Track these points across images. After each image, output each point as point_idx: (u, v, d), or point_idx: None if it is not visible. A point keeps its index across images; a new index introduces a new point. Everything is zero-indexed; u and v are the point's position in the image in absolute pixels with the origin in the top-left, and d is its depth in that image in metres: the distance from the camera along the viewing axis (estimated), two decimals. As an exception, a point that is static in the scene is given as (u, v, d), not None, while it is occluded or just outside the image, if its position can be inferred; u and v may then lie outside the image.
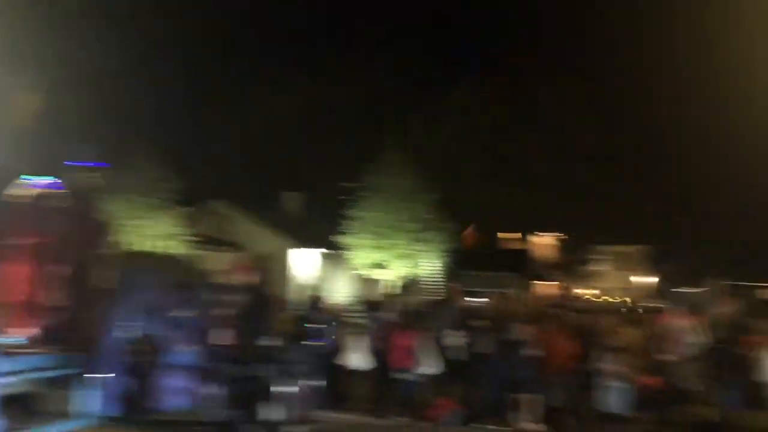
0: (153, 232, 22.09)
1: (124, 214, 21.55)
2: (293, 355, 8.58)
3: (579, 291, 42.27)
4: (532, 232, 48.40)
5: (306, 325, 10.91)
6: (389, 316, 10.94)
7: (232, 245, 20.75)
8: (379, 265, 20.90)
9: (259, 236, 25.71)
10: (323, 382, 9.75)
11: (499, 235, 47.70)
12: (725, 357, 9.57)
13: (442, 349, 10.15)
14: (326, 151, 39.85)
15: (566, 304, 12.21)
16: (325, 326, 11.11)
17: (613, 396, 9.50)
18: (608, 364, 9.60)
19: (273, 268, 24.93)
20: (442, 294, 11.79)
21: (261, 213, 27.88)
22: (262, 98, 40.22)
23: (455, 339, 10.05)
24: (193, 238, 23.03)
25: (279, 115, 40.14)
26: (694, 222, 46.47)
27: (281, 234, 26.19)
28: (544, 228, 48.26)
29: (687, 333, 9.65)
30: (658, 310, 12.53)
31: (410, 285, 23.22)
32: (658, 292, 40.97)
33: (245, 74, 39.84)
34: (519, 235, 47.84)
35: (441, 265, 26.79)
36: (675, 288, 30.40)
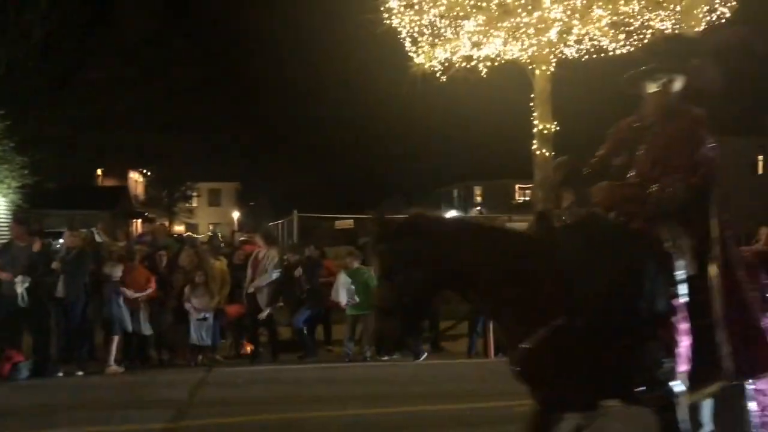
0: None
1: None
2: None
3: (171, 226, 42.20)
4: (125, 169, 46.17)
5: None
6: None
7: None
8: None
9: None
10: None
11: (97, 172, 44.42)
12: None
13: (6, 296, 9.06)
14: None
15: (155, 240, 12.02)
16: None
17: (200, 327, 9.80)
18: (195, 297, 9.84)
19: None
20: (11, 235, 10.45)
21: None
22: None
23: (23, 284, 8.99)
24: None
25: None
26: (278, 160, 50.17)
27: None
28: (138, 164, 46.47)
29: (267, 261, 10.41)
30: (244, 242, 13.24)
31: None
32: (245, 225, 43.41)
33: None
34: (103, 171, 45.17)
35: (12, 203, 23.72)
36: (260, 221, 32.62)
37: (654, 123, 3.75)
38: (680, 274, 3.44)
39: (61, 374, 9.01)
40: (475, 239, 3.51)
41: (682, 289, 3.41)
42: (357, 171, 53.23)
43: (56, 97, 34.53)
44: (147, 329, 9.58)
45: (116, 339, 9.36)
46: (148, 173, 48.67)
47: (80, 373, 9.11)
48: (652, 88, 3.68)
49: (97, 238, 10.69)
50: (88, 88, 36.93)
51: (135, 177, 48.81)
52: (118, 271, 9.39)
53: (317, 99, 46.55)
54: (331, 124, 47.88)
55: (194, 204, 54.86)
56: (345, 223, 15.98)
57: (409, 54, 14.13)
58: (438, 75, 14.28)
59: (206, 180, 53.51)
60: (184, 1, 44.69)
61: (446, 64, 14.35)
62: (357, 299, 10.04)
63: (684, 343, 3.34)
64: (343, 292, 10.15)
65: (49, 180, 26.27)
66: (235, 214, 55.46)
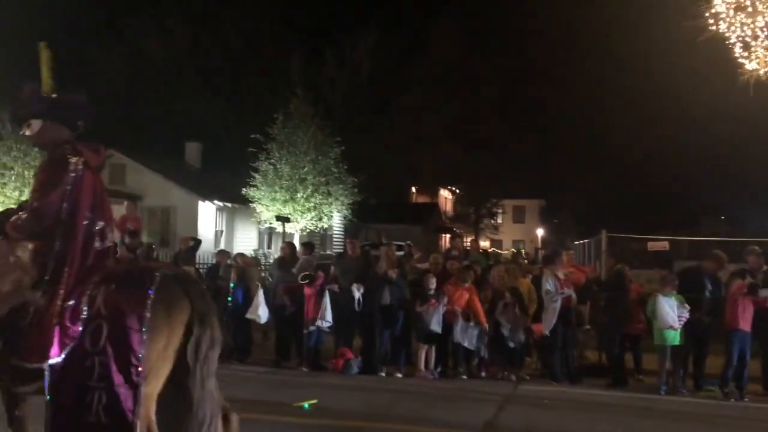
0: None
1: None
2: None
3: (480, 243, 43.73)
4: (437, 186, 49.38)
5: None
6: (294, 269, 11.01)
7: (129, 197, 20.01)
8: (284, 218, 20.77)
9: (159, 188, 24.93)
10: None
11: (412, 189, 48.36)
12: (610, 304, 10.31)
13: (345, 301, 10.36)
14: (230, 100, 38.62)
15: (468, 256, 12.68)
16: (231, 281, 11.12)
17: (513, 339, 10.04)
18: (503, 315, 10.11)
19: (176, 220, 24.47)
20: (346, 247, 11.91)
21: (162, 163, 26.95)
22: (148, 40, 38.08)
23: (358, 291, 10.25)
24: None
25: (176, 58, 38.38)
26: (585, 176, 48.79)
27: (184, 186, 25.47)
28: (449, 182, 49.29)
29: (573, 281, 10.29)
30: (550, 260, 13.19)
31: (315, 238, 23.30)
32: (551, 242, 43.03)
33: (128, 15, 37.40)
34: (420, 189, 48.66)
35: (346, 218, 26.98)
36: (566, 239, 32.08)
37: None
38: None
39: (383, 374, 10.01)
40: None
41: None
42: (672, 188, 49.38)
43: (376, 122, 38.42)
44: (465, 341, 10.02)
45: (425, 347, 10.05)
46: (457, 190, 51.27)
47: (399, 375, 10.02)
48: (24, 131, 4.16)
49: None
50: (402, 113, 40.46)
51: (445, 194, 51.80)
52: (432, 284, 10.11)
53: (631, 112, 44.35)
54: (646, 138, 45.11)
55: (499, 220, 56.13)
56: (659, 244, 14.94)
57: (739, 60, 12.80)
58: (774, 82, 12.69)
59: (511, 197, 54.42)
60: (484, 23, 46.35)
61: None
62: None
63: None
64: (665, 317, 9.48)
65: (371, 197, 29.34)
66: (539, 231, 55.40)
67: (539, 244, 48.63)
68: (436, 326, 9.91)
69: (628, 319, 10.19)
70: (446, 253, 13.15)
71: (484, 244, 48.39)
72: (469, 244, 19.10)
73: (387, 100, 40.48)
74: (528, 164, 47.99)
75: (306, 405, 7.58)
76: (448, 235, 41.28)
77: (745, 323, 9.19)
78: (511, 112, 44.40)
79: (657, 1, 14.22)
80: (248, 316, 10.66)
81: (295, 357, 10.62)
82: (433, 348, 10.10)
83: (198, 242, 14.11)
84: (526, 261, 21.66)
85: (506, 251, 43.12)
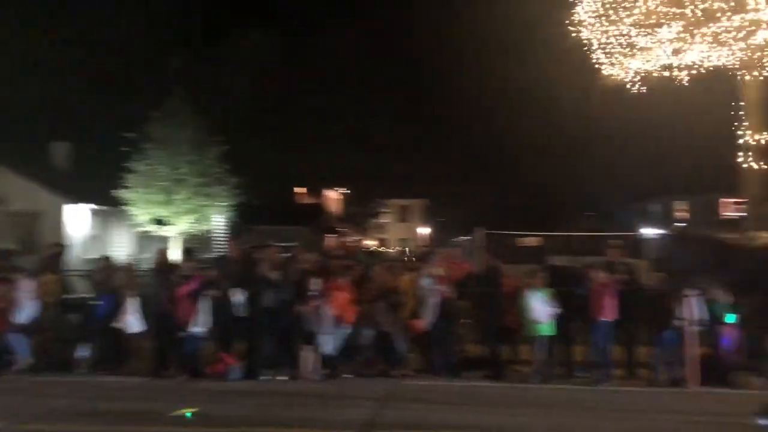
0: None
1: None
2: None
3: (365, 242, 44.16)
4: (322, 187, 49.38)
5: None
6: (172, 274, 10.63)
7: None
8: (161, 221, 19.97)
9: (24, 191, 23.27)
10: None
11: (299, 190, 47.98)
12: (486, 298, 10.69)
13: (226, 305, 10.11)
14: (102, 98, 36.69)
15: (352, 255, 12.74)
16: (104, 287, 10.58)
17: (398, 340, 10.18)
18: (384, 310, 10.24)
19: (42, 225, 22.93)
20: (227, 250, 11.63)
21: (26, 165, 25.14)
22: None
23: (239, 294, 10.05)
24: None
25: (46, 56, 36.03)
26: (467, 176, 50.48)
27: (50, 188, 23.90)
28: (336, 183, 49.45)
29: (452, 277, 10.57)
30: (426, 258, 13.50)
31: (194, 241, 22.59)
32: (435, 240, 44.15)
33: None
34: (306, 189, 48.52)
35: (228, 220, 26.35)
36: (447, 236, 33.03)
37: None
38: None
39: (267, 378, 9.87)
40: None
41: None
42: (546, 188, 52.03)
43: (261, 123, 37.85)
44: (339, 345, 10.06)
45: (311, 349, 10.00)
46: (344, 191, 51.56)
47: (283, 378, 9.91)
48: None
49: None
50: (289, 114, 40.14)
51: (332, 195, 51.91)
52: (315, 285, 10.07)
53: (505, 117, 46.38)
54: (521, 141, 47.35)
55: (385, 220, 56.90)
56: (531, 240, 15.70)
57: (597, 66, 13.70)
58: (631, 86, 13.68)
59: (397, 197, 55.31)
60: (380, 32, 46.98)
61: (642, 74, 13.69)
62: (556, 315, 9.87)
63: None
64: (535, 310, 9.96)
65: (255, 199, 28.89)
66: (424, 230, 56.70)
67: (424, 243, 49.73)
68: (319, 326, 9.88)
69: (502, 312, 10.60)
70: (329, 252, 13.14)
71: (371, 243, 48.93)
72: (353, 243, 19.20)
73: (273, 100, 40.08)
74: (413, 165, 49.07)
75: (188, 413, 7.34)
76: (334, 236, 41.39)
77: (609, 313, 9.80)
78: (396, 114, 45.19)
79: (527, 8, 14.89)
80: (115, 324, 10.18)
81: (175, 365, 10.25)
82: (317, 349, 10.05)
83: (63, 248, 13.31)
84: (413, 259, 22.09)
85: (392, 250, 43.82)
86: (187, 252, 12.11)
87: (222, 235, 27.89)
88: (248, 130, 35.94)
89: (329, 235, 41.20)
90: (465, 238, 21.01)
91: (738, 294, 6.58)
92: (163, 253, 11.99)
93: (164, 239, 21.43)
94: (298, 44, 41.27)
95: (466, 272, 11.78)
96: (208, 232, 25.74)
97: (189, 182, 22.90)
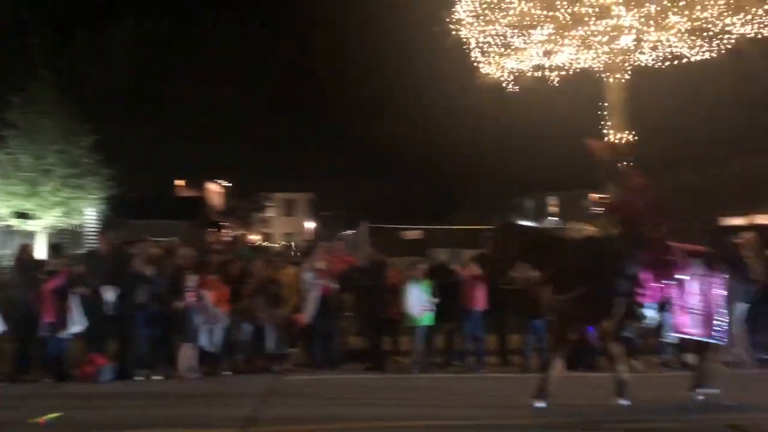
0: None
1: None
2: None
3: (249, 236, 43.38)
4: (204, 179, 47.86)
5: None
6: (35, 270, 9.93)
7: None
8: (24, 215, 18.57)
9: None
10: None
11: (178, 182, 46.16)
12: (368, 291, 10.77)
13: (96, 303, 9.58)
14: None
15: (232, 250, 12.45)
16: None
17: (270, 335, 10.05)
18: (265, 306, 10.09)
19: None
20: (97, 245, 11.02)
21: None
22: None
23: (110, 292, 9.54)
24: None
25: None
26: (352, 170, 50.71)
27: None
28: (218, 175, 48.13)
29: (335, 270, 10.58)
30: (307, 252, 13.46)
31: (63, 236, 21.24)
32: (318, 234, 44.10)
33: None
34: (185, 182, 46.88)
35: (100, 213, 24.93)
36: (333, 230, 33.08)
37: None
38: None
39: (141, 378, 9.45)
40: None
41: None
42: (429, 183, 53.26)
43: (138, 112, 36.23)
44: (218, 341, 9.81)
45: (188, 346, 9.69)
46: (227, 184, 50.30)
47: (158, 377, 9.53)
48: None
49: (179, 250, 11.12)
50: (167, 104, 38.65)
51: (213, 188, 50.48)
52: (190, 281, 9.75)
53: (389, 112, 46.91)
54: (403, 136, 48.11)
55: (269, 214, 56.14)
56: (414, 233, 16.03)
57: (476, 65, 14.15)
58: (508, 85, 14.23)
59: (282, 190, 54.69)
60: (257, 18, 46.20)
61: (517, 74, 14.27)
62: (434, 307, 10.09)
63: None
64: (414, 301, 10.14)
65: (130, 191, 27.55)
66: (309, 224, 56.46)
67: (310, 237, 49.51)
68: (202, 323, 9.59)
69: (386, 304, 10.73)
70: (208, 247, 12.76)
71: (255, 237, 48.10)
72: (233, 238, 18.78)
73: (151, 89, 38.29)
74: (298, 158, 48.64)
75: (51, 419, 6.88)
76: (217, 230, 40.32)
77: (479, 304, 10.12)
78: (280, 106, 44.63)
79: (411, 4, 15.12)
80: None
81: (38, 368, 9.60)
82: (195, 346, 9.75)
83: None
84: (298, 253, 21.91)
85: (277, 244, 43.33)
86: (54, 248, 11.35)
87: (94, 229, 26.39)
88: (123, 119, 34.18)
89: (211, 230, 40.10)
90: (350, 231, 21.10)
91: (562, 283, 7.04)
92: (25, 248, 11.19)
93: (29, 234, 19.98)
94: (177, 32, 39.79)
95: (349, 265, 11.83)
96: (79, 226, 24.26)
97: (56, 173, 21.46)
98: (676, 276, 7.15)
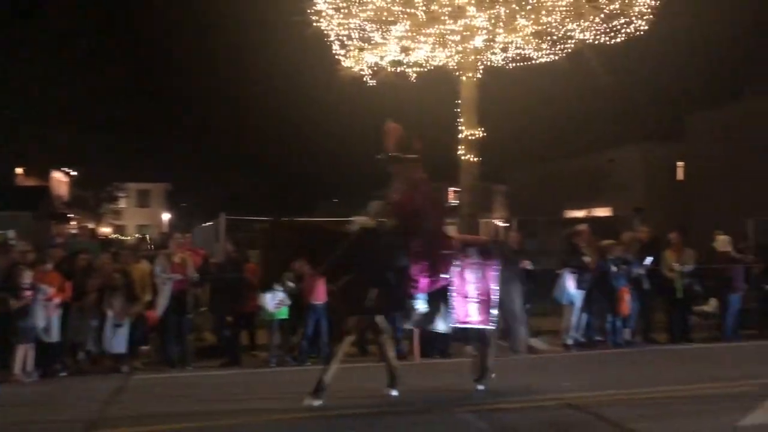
0: None
1: None
2: None
3: (98, 228, 40.92)
4: (49, 168, 44.37)
5: None
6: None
7: None
8: None
9: None
10: None
11: (18, 171, 42.39)
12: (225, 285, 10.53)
13: None
14: None
15: (71, 243, 11.67)
16: None
17: (117, 334, 9.54)
18: (112, 302, 9.57)
19: None
20: None
21: None
22: None
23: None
24: None
25: None
26: (210, 160, 49.33)
27: None
28: (63, 164, 44.83)
29: (190, 264, 10.23)
30: (161, 245, 12.96)
31: None
32: (173, 226, 42.50)
33: None
34: (24, 170, 43.25)
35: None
36: (191, 222, 31.99)
37: None
38: None
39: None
40: None
41: None
42: (290, 175, 52.93)
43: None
44: (56, 336, 9.21)
45: (24, 347, 8.99)
46: (73, 173, 46.97)
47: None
48: None
49: (12, 242, 10.30)
50: (6, 86, 35.48)
51: (59, 177, 47.01)
52: (27, 277, 9.05)
53: (248, 102, 46.13)
54: (263, 127, 47.53)
55: (122, 205, 53.28)
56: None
57: (337, 58, 14.18)
58: (367, 79, 14.39)
59: (135, 180, 52.07)
60: (112, 5, 43.56)
61: (375, 69, 14.47)
62: (288, 302, 9.97)
63: None
64: (269, 296, 9.98)
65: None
66: (165, 216, 54.19)
67: (165, 229, 47.53)
68: (39, 322, 8.93)
69: (245, 299, 10.51)
70: (49, 241, 11.88)
71: (106, 230, 45.36)
72: (78, 230, 17.61)
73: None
74: (152, 147, 46.52)
75: None
76: (64, 223, 37.60)
77: (320, 297, 10.06)
78: (132, 93, 42.33)
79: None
80: None
81: None
82: (32, 347, 9.05)
83: None
84: (152, 246, 20.92)
85: (131, 237, 41.18)
86: None
87: None
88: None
89: (55, 222, 37.30)
90: (208, 224, 20.44)
91: (333, 275, 7.23)
92: None
93: None
94: (17, 12, 36.65)
95: (204, 259, 11.49)
96: None
97: None
98: (452, 267, 7.29)
